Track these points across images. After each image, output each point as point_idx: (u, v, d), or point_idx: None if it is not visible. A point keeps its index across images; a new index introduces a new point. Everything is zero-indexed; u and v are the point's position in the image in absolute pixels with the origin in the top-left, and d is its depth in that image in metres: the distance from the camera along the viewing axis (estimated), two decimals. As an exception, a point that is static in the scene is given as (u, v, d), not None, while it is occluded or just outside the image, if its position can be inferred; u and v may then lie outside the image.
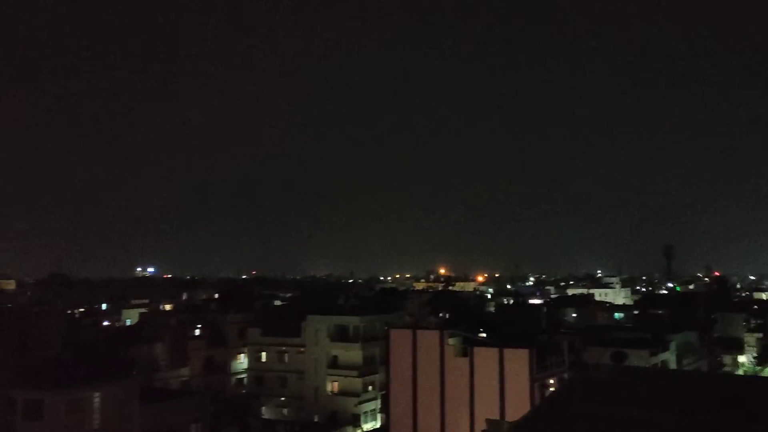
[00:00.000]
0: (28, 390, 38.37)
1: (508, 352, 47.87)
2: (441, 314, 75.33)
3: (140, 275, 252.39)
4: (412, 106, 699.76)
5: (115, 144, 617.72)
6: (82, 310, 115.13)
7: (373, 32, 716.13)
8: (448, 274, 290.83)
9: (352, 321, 71.76)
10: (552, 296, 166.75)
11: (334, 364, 70.26)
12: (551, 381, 48.90)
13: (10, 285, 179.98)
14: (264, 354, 74.88)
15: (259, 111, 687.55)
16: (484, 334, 57.57)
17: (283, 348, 73.82)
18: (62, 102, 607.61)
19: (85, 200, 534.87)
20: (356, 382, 68.36)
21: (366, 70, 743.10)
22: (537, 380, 47.22)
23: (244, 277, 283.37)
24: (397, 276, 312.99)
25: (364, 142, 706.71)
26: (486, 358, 48.41)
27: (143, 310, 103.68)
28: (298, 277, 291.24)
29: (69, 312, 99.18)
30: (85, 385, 40.15)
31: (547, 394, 43.99)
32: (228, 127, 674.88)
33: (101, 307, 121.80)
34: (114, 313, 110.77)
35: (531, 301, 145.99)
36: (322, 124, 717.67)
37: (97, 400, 40.26)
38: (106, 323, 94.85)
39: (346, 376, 68.98)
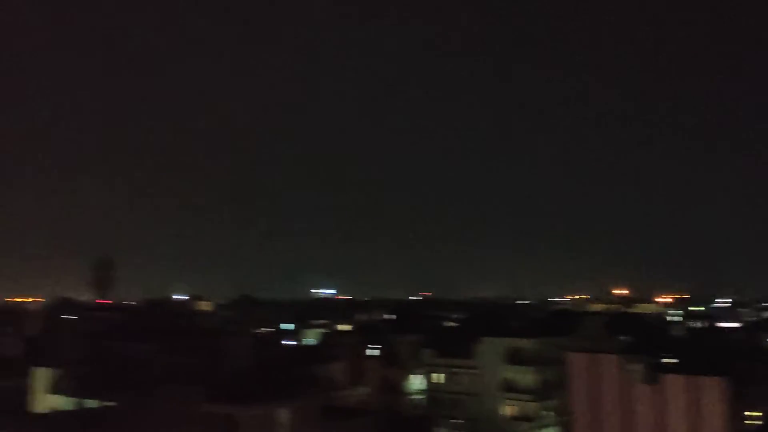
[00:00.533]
0: (222, 405, 41.29)
1: (700, 381, 44.32)
2: (621, 337, 71.62)
3: (319, 297, 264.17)
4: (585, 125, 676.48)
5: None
6: (267, 329, 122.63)
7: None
8: (627, 294, 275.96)
9: (526, 343, 70.24)
10: (749, 319, 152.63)
11: (508, 387, 69.04)
12: (754, 414, 44.59)
13: (207, 306, 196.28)
14: (438, 375, 75.25)
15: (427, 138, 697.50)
16: (672, 360, 53.88)
17: (457, 369, 73.76)
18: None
19: (270, 225, 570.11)
20: (532, 407, 66.64)
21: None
22: (734, 413, 43.28)
23: (414, 298, 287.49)
24: (571, 297, 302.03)
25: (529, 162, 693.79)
26: (674, 386, 45.16)
27: (323, 330, 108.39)
28: (466, 298, 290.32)
29: (256, 331, 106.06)
30: (274, 402, 42.53)
31: (746, 429, 40.14)
32: (405, 156, 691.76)
33: (285, 327, 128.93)
34: (296, 333, 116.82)
35: (724, 325, 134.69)
36: (481, 147, 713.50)
37: (284, 415, 42.48)
38: (289, 342, 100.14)
39: (521, 400, 67.48)
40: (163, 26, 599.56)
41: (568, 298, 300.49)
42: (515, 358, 69.59)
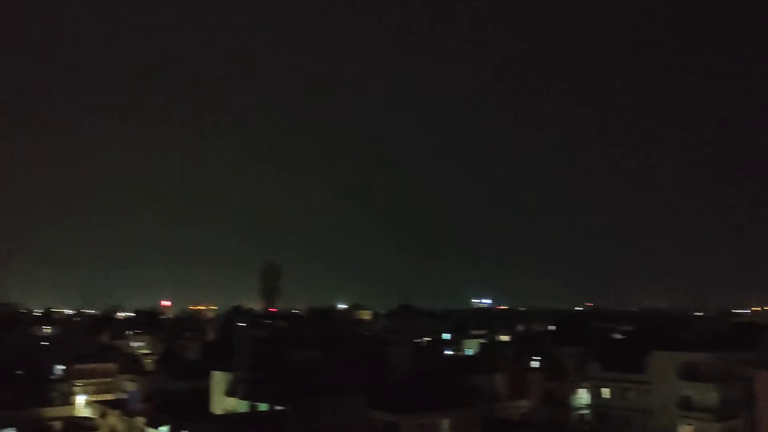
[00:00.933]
0: (386, 412, 41.89)
1: None
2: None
3: (477, 306, 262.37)
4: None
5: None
6: (427, 339, 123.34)
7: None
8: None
9: (704, 358, 65.03)
10: None
11: (685, 405, 64.20)
12: None
13: (367, 315, 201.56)
14: (605, 390, 71.64)
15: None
16: None
17: (626, 384, 69.80)
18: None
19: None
20: (714, 427, 61.50)
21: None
22: None
23: (578, 308, 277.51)
24: (756, 309, 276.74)
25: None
26: None
27: (482, 340, 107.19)
28: (634, 309, 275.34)
29: (416, 341, 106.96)
30: (435, 411, 42.53)
31: None
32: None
33: (443, 336, 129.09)
34: (455, 343, 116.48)
35: None
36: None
37: (445, 425, 42.33)
38: (448, 352, 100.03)
39: (700, 419, 62.49)
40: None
41: (750, 310, 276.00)
42: (692, 373, 64.63)
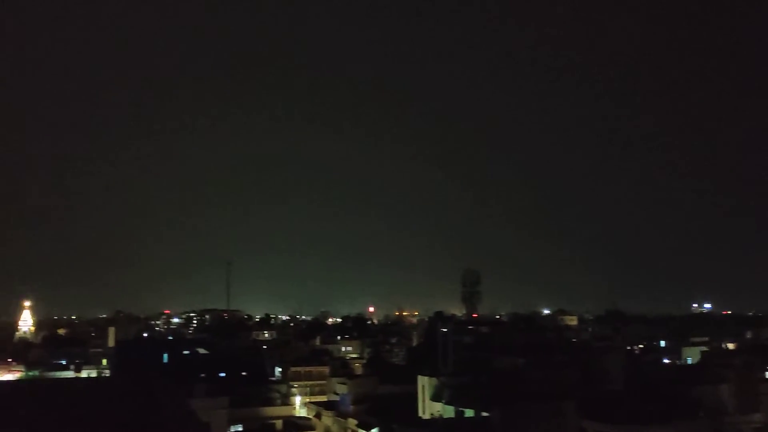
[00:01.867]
0: (598, 423, 39.54)
1: None
2: None
3: (697, 311, 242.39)
4: None
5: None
6: (640, 346, 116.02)
7: None
8: None
9: None
10: None
11: None
12: None
13: (573, 321, 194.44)
14: None
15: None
16: None
17: None
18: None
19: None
20: None
21: None
22: None
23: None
24: None
25: None
26: None
27: (704, 348, 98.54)
28: None
29: (628, 348, 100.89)
30: (656, 423, 39.42)
31: None
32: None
33: (659, 344, 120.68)
34: (673, 351, 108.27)
35: None
36: None
37: (666, 440, 39.04)
38: (665, 361, 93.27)
39: None
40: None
41: None
42: None
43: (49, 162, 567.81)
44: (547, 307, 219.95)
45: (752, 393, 63.39)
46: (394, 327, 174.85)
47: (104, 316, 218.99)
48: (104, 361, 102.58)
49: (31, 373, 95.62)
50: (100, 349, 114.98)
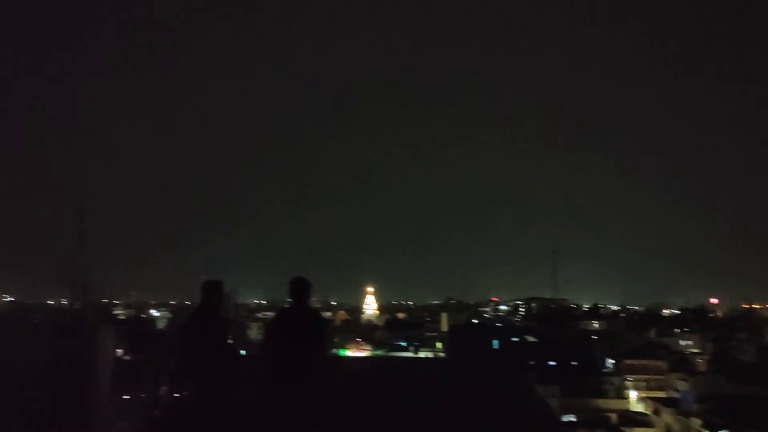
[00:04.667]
0: None
1: None
2: None
3: None
4: None
5: None
6: None
7: None
8: None
9: None
10: None
11: None
12: None
13: None
14: None
15: None
16: None
17: None
18: None
19: None
20: None
21: None
22: None
23: None
24: None
25: None
26: None
27: None
28: None
29: None
30: None
31: None
32: None
33: None
34: None
35: None
36: None
37: None
38: None
39: None
40: None
41: None
42: None
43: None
44: None
45: None
46: (741, 321, 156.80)
47: (437, 302, 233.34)
48: (438, 344, 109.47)
49: (377, 352, 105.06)
50: (434, 333, 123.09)
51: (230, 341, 9.24)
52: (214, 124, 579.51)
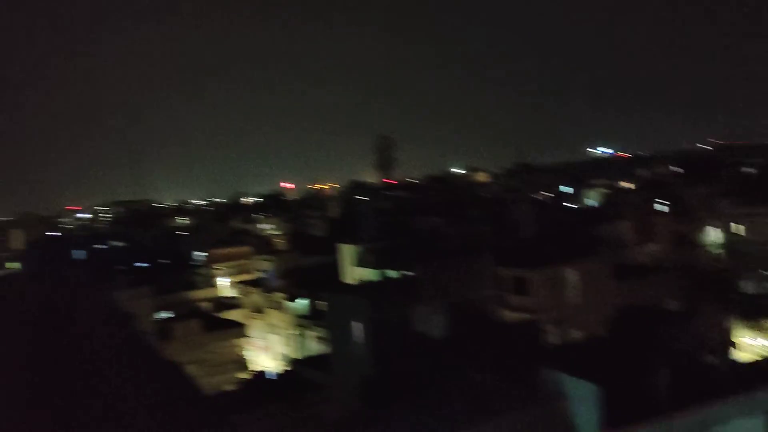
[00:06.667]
0: (513, 268, 42.20)
1: None
2: None
3: (596, 156, 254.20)
4: None
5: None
6: (547, 194, 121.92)
7: None
8: None
9: None
10: None
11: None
12: None
13: (484, 177, 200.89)
14: (737, 226, 68.67)
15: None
16: None
17: (760, 218, 66.48)
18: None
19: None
20: None
21: None
22: None
23: (703, 146, 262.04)
24: None
25: None
26: None
27: (604, 190, 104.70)
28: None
29: (536, 197, 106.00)
30: (562, 262, 42.42)
31: None
32: None
33: (564, 190, 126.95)
34: (577, 196, 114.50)
35: None
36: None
37: (573, 276, 42.25)
38: (570, 206, 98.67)
39: None
40: None
41: None
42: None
43: None
44: (459, 167, 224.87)
45: (648, 226, 68.87)
46: (312, 201, 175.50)
47: (9, 218, 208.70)
48: (13, 265, 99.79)
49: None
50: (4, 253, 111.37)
51: None
52: None
